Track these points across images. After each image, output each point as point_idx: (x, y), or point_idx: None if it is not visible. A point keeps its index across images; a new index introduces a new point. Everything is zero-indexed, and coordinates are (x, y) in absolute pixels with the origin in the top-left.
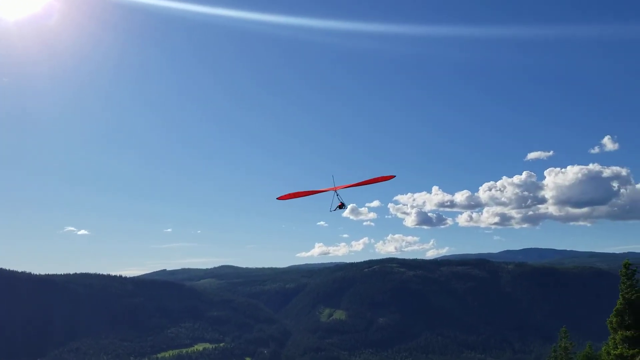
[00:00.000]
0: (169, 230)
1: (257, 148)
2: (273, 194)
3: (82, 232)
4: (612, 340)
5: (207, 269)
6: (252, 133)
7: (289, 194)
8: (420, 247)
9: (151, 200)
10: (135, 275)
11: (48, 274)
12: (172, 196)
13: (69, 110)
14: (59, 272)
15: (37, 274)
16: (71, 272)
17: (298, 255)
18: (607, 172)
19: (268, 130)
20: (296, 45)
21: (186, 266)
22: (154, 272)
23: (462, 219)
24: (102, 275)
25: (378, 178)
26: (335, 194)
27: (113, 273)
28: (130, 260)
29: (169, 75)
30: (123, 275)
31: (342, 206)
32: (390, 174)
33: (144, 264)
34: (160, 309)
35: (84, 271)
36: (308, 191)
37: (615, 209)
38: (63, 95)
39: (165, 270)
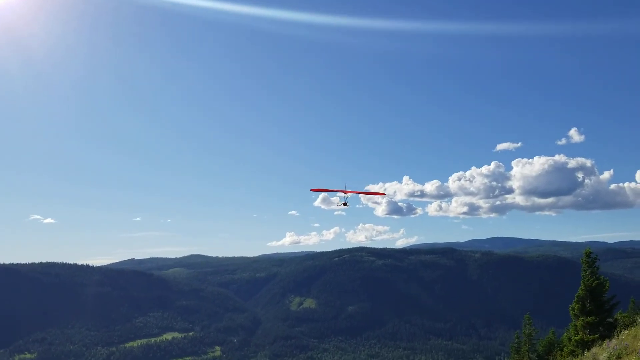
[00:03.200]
0: (137, 219)
1: (228, 136)
2: (244, 182)
3: (48, 220)
4: (574, 327)
5: (176, 258)
6: (223, 120)
7: (319, 189)
8: (391, 236)
9: (120, 189)
10: (103, 264)
11: (13, 263)
12: (141, 184)
13: (35, 97)
14: (24, 262)
15: (2, 263)
16: (37, 262)
17: (269, 244)
18: (573, 163)
19: (240, 117)
20: (276, 38)
21: (155, 255)
22: (121, 261)
23: (432, 208)
24: (69, 265)
25: (374, 192)
26: (345, 196)
27: (80, 262)
28: (97, 249)
29: (138, 62)
30: (90, 265)
31: (345, 204)
32: (383, 192)
33: (111, 253)
34: (128, 299)
35: (49, 260)
36: (328, 189)
37: (580, 199)
38: (30, 82)
39: (133, 259)
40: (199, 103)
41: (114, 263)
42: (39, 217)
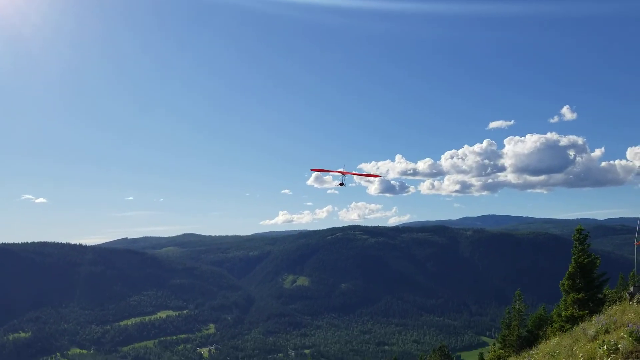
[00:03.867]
0: (130, 198)
1: (221, 115)
2: (237, 161)
3: (40, 200)
4: (564, 302)
5: (169, 237)
6: (215, 100)
7: (319, 169)
8: (383, 214)
9: (112, 168)
10: (96, 244)
11: (5, 243)
12: (133, 164)
13: (24, 77)
14: (16, 241)
15: None
16: (29, 241)
17: (262, 223)
18: (565, 141)
19: (232, 97)
20: (268, 18)
21: (148, 234)
22: (114, 240)
23: (424, 186)
24: (61, 244)
25: (370, 174)
26: (343, 177)
27: (72, 242)
28: (90, 228)
29: (128, 41)
30: (83, 244)
31: (342, 184)
32: (378, 175)
33: (104, 233)
34: (122, 278)
35: (42, 240)
36: (327, 170)
37: (571, 176)
38: (19, 60)
39: (126, 238)
40: (191, 82)
41: (106, 242)
42: (30, 196)
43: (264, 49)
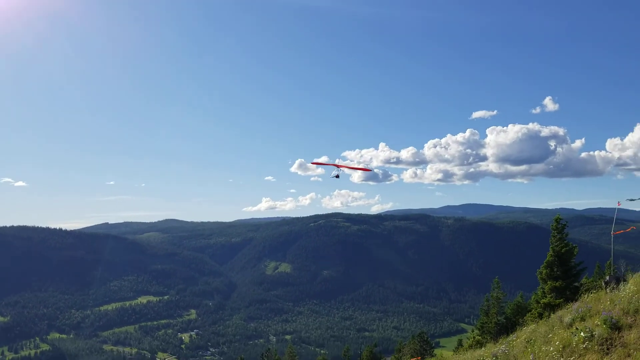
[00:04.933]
0: (111, 182)
1: (204, 101)
2: (220, 147)
3: (20, 183)
4: (541, 290)
5: (150, 223)
6: (197, 84)
7: (319, 162)
8: (366, 202)
9: (93, 152)
10: (76, 228)
11: None
12: (115, 148)
13: (4, 56)
14: None
15: None
16: (8, 225)
17: (245, 209)
18: (546, 131)
19: (214, 80)
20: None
21: (129, 220)
22: (95, 225)
23: (407, 175)
24: (41, 228)
25: (361, 168)
26: (338, 170)
27: (52, 226)
28: (70, 213)
29: (112, 21)
30: (63, 229)
31: (337, 176)
32: (369, 169)
33: (84, 217)
34: (102, 263)
35: (21, 224)
36: (326, 163)
37: (551, 167)
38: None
39: (107, 223)
40: (175, 67)
41: (87, 227)
42: (10, 180)
43: (250, 33)
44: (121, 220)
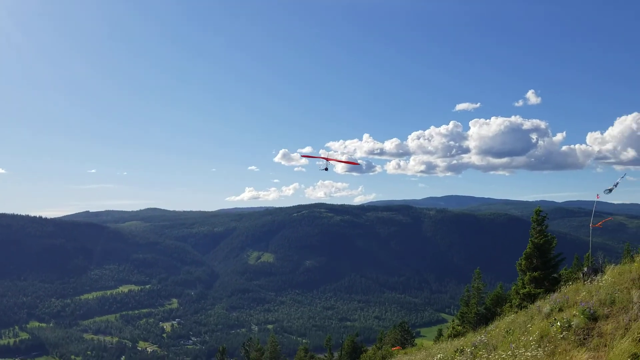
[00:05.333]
0: (92, 171)
1: (187, 88)
2: (203, 136)
3: None
4: (521, 281)
5: (132, 212)
6: (180, 72)
7: (307, 155)
8: (349, 193)
9: (74, 139)
10: (56, 216)
11: None
12: (97, 136)
13: None
14: None
15: None
16: None
17: (228, 199)
18: (528, 124)
19: (197, 69)
20: None
21: (110, 208)
22: (75, 213)
23: (391, 166)
24: (20, 216)
25: (349, 161)
26: (327, 162)
27: (32, 214)
28: (50, 201)
29: (89, 8)
30: (43, 216)
31: (326, 169)
32: (357, 162)
33: (65, 205)
34: (83, 251)
35: (0, 211)
36: (314, 156)
37: (533, 159)
38: None
39: (88, 212)
40: (156, 53)
41: (67, 215)
42: None
43: (235, 24)
44: (102, 209)
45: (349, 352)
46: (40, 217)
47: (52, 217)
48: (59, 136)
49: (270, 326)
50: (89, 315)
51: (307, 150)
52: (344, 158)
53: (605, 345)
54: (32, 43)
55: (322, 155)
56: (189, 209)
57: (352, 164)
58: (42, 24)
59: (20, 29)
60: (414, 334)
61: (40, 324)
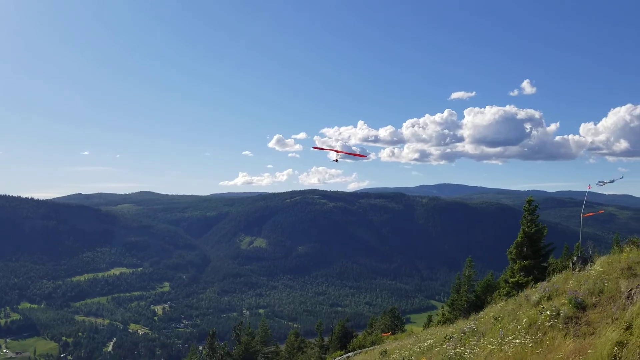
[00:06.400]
0: (85, 153)
1: (181, 73)
2: (197, 120)
3: None
4: (510, 270)
5: (125, 195)
6: (173, 56)
7: (321, 147)
8: (343, 179)
9: (67, 121)
10: (49, 198)
11: None
12: (90, 118)
13: None
14: None
15: None
16: None
17: (221, 183)
18: (522, 114)
19: (192, 54)
20: None
21: (103, 191)
22: (68, 195)
23: (385, 154)
24: (12, 197)
25: (358, 154)
26: (338, 155)
27: (24, 195)
28: (42, 182)
29: None
30: (35, 198)
31: (337, 160)
32: (364, 154)
33: (57, 187)
34: (75, 233)
35: None
36: (326, 148)
37: (526, 149)
38: None
39: (80, 194)
40: (150, 39)
41: (60, 197)
42: None
43: (226, 7)
44: (95, 191)
45: (340, 337)
46: (33, 199)
47: (45, 198)
48: (52, 118)
49: (261, 310)
50: (81, 297)
51: (301, 136)
52: (338, 145)
53: (593, 334)
54: (25, 28)
55: (332, 148)
56: (182, 193)
57: (361, 156)
58: (33, 7)
59: (11, 10)
60: (404, 320)
61: (32, 305)
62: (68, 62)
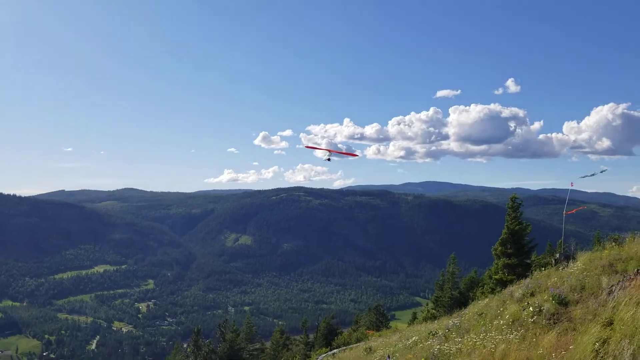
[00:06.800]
0: (69, 149)
1: (166, 71)
2: (182, 117)
3: None
4: (495, 266)
5: (109, 191)
6: (159, 55)
7: (312, 146)
8: (328, 177)
9: (50, 117)
10: (31, 195)
11: None
12: (73, 114)
13: None
14: None
15: None
16: None
17: (206, 181)
18: (506, 112)
19: (176, 51)
20: None
21: (86, 187)
22: (50, 192)
23: (370, 151)
24: None
25: (349, 153)
26: (329, 153)
27: (6, 192)
28: (25, 179)
29: None
30: (17, 195)
31: (329, 159)
32: (356, 154)
33: (40, 184)
34: (58, 230)
35: None
36: (318, 147)
37: (510, 147)
38: None
39: (63, 191)
40: (128, 35)
41: (42, 194)
42: None
43: (212, 4)
44: (78, 188)
45: (325, 334)
46: (15, 196)
47: (27, 195)
48: (34, 114)
49: (246, 308)
50: (63, 294)
51: (287, 133)
52: (324, 143)
53: (575, 330)
54: (7, 18)
55: (324, 147)
56: (166, 190)
57: (352, 155)
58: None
59: None
60: (389, 317)
61: (14, 303)
62: (50, 57)
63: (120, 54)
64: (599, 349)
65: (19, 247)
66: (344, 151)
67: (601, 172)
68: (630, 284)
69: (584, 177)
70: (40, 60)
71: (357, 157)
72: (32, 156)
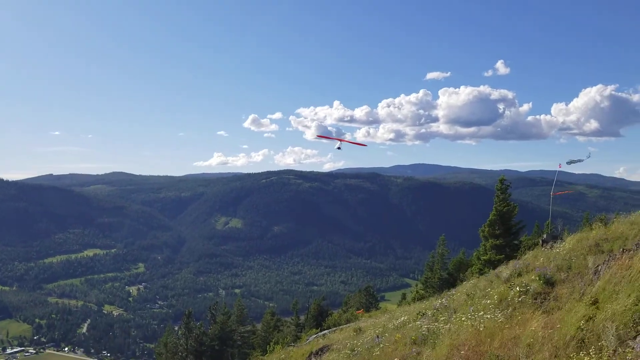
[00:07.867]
0: (56, 133)
1: (154, 54)
2: (170, 100)
3: None
4: (483, 247)
5: (97, 175)
6: (148, 37)
7: (324, 136)
8: (318, 160)
9: (36, 101)
10: (19, 179)
11: None
12: (60, 97)
13: None
14: None
15: None
16: None
17: (195, 164)
18: (496, 94)
19: (165, 32)
20: None
21: (75, 171)
22: (39, 176)
23: (360, 134)
24: None
25: (358, 142)
26: (340, 143)
27: None
28: (12, 163)
29: None
30: (4, 179)
31: (339, 148)
32: (365, 144)
33: (27, 168)
34: (47, 215)
35: None
36: (330, 137)
37: (499, 129)
38: None
39: (51, 175)
40: (118, 20)
41: (30, 178)
42: None
43: None
44: (66, 172)
45: (315, 316)
46: (2, 180)
47: (15, 179)
48: (20, 98)
49: (237, 290)
50: (53, 279)
51: (277, 116)
52: (314, 125)
53: (560, 308)
54: None
55: (335, 137)
56: (155, 174)
57: (361, 145)
58: None
59: None
60: (379, 298)
61: (3, 288)
62: (38, 42)
63: (109, 35)
64: (584, 327)
65: (7, 232)
66: (354, 141)
67: (587, 157)
68: (615, 263)
69: (570, 162)
70: (27, 42)
71: (365, 146)
72: (20, 140)
